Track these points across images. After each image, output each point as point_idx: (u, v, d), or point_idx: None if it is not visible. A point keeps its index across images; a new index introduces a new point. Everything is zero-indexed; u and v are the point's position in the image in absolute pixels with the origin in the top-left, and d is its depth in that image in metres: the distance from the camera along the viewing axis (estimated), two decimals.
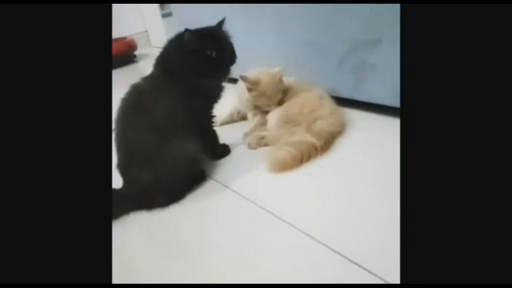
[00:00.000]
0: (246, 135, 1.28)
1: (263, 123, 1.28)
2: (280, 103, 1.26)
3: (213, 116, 1.15)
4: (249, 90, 1.27)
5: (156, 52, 1.11)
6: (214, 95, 1.10)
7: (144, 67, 2.68)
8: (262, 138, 1.20)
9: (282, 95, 1.26)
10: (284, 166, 1.06)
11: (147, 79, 1.05)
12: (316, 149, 1.09)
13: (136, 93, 1.01)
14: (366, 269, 0.71)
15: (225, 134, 1.25)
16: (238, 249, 0.83)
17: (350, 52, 1.20)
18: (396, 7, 1.02)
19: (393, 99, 1.13)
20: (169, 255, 0.85)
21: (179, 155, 0.99)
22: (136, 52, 3.02)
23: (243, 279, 0.75)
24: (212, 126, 1.16)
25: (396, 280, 0.68)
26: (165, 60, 1.05)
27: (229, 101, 1.36)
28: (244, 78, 1.25)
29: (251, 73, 1.27)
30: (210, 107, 1.12)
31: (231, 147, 1.23)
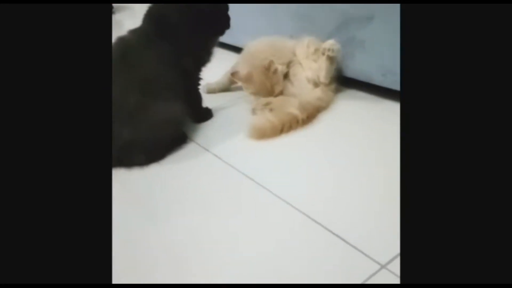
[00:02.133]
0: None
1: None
2: (285, 76, 1.23)
3: (200, 79, 1.13)
4: (244, 86, 1.25)
5: (135, 4, 1.07)
6: (204, 56, 1.08)
7: (122, 19, 2.57)
8: (267, 104, 1.18)
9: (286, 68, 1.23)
10: (263, 133, 1.07)
11: (134, 32, 1.03)
12: (297, 121, 1.10)
13: (122, 47, 0.99)
14: (340, 238, 0.74)
15: (209, 97, 1.24)
16: (214, 210, 0.85)
17: (340, 27, 1.19)
18: None
19: (380, 77, 1.14)
20: (146, 214, 0.87)
21: (162, 115, 0.99)
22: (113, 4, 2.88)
23: (216, 239, 0.78)
24: (198, 89, 1.15)
25: (370, 248, 0.71)
26: (156, 13, 1.02)
27: (222, 68, 1.35)
28: (235, 76, 1.23)
29: (255, 45, 1.25)
30: (199, 69, 1.11)
31: (214, 112, 1.23)
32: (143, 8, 1.08)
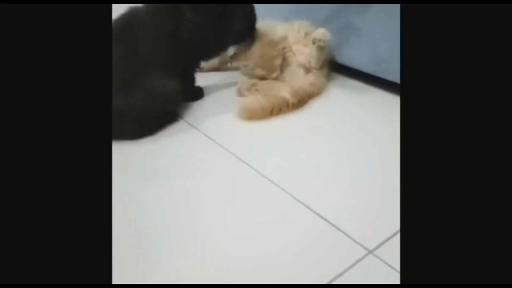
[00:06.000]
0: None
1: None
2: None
3: (199, 65, 1.15)
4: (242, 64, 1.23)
5: None
6: (218, 48, 1.13)
7: None
8: (254, 84, 1.17)
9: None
10: (252, 114, 1.07)
11: (149, 7, 1.04)
12: (288, 105, 1.09)
13: (130, 17, 1.00)
14: (328, 221, 0.75)
15: (200, 77, 1.22)
16: (199, 187, 0.86)
17: (337, 12, 1.18)
18: None
19: (373, 66, 1.14)
20: (133, 188, 0.86)
21: (154, 87, 0.99)
22: None
23: (201, 217, 0.78)
24: (194, 70, 1.16)
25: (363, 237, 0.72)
26: None
27: None
28: (235, 57, 1.22)
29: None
30: (203, 57, 1.14)
31: (205, 91, 1.21)
32: None
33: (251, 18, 1.14)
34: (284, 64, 1.20)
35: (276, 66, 1.19)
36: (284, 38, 1.21)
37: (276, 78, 1.19)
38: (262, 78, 1.20)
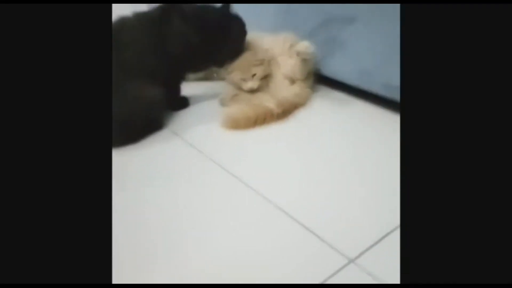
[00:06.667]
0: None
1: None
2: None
3: (184, 76, 1.17)
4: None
5: None
6: (207, 63, 1.17)
7: None
8: (236, 95, 1.18)
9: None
10: (236, 123, 1.07)
11: (138, 16, 1.05)
12: (272, 115, 1.10)
13: (119, 26, 1.01)
14: (310, 230, 0.75)
15: (186, 86, 1.22)
16: (181, 194, 0.85)
17: (322, 25, 1.20)
18: None
19: (357, 79, 1.15)
20: (116, 195, 0.85)
21: (136, 94, 0.99)
22: None
23: (184, 225, 0.78)
24: (180, 81, 1.17)
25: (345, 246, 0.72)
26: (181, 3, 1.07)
27: None
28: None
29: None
30: (188, 68, 1.16)
31: (191, 100, 1.21)
32: None
33: (243, 35, 1.17)
34: (269, 76, 1.20)
35: (254, 71, 1.17)
36: (266, 50, 1.22)
37: (259, 89, 1.19)
38: (240, 85, 1.18)
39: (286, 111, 1.12)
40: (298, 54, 1.16)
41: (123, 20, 1.04)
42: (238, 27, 1.15)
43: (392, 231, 0.73)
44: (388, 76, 1.07)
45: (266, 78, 1.19)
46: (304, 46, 1.15)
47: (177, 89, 1.17)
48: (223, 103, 1.18)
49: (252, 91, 1.18)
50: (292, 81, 1.19)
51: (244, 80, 1.16)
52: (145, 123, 1.04)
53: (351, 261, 0.68)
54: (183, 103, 1.19)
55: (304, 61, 1.16)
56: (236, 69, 1.17)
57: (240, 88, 1.19)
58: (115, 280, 0.58)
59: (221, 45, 1.13)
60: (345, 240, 0.72)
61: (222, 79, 1.33)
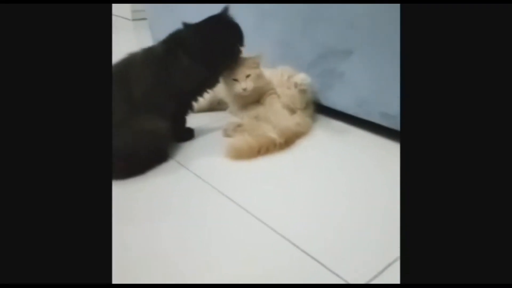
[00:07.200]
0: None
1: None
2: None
3: (192, 106, 1.19)
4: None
5: None
6: (206, 86, 1.18)
7: None
8: (239, 125, 1.21)
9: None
10: (240, 153, 1.10)
11: (146, 52, 1.10)
12: (275, 145, 1.14)
13: (127, 62, 1.05)
14: (313, 258, 0.76)
15: (191, 117, 1.26)
16: (188, 226, 0.86)
17: (321, 58, 1.25)
18: (374, 21, 1.08)
19: (356, 108, 1.20)
20: (122, 226, 0.86)
21: (142, 126, 1.02)
22: None
23: (191, 256, 0.79)
24: (186, 113, 1.20)
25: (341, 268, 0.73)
26: (184, 38, 1.10)
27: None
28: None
29: None
30: (196, 98, 1.18)
31: (196, 131, 1.25)
32: None
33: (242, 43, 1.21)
34: (269, 108, 1.25)
35: (248, 72, 1.20)
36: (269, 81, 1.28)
37: (257, 117, 1.24)
38: (233, 88, 1.22)
39: (288, 140, 1.16)
40: (295, 85, 1.21)
41: (131, 57, 1.08)
42: (238, 41, 1.19)
43: (393, 262, 0.74)
44: (384, 106, 1.11)
45: (257, 89, 1.24)
46: (301, 77, 1.21)
47: (183, 121, 1.21)
48: (226, 134, 1.22)
49: (248, 99, 1.24)
50: (292, 110, 1.23)
51: (237, 81, 1.20)
52: (152, 156, 1.07)
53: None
54: (189, 134, 1.23)
55: (302, 91, 1.21)
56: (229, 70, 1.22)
57: (235, 99, 1.27)
58: None
59: (225, 67, 1.19)
60: (347, 266, 0.74)
61: (225, 109, 1.39)
